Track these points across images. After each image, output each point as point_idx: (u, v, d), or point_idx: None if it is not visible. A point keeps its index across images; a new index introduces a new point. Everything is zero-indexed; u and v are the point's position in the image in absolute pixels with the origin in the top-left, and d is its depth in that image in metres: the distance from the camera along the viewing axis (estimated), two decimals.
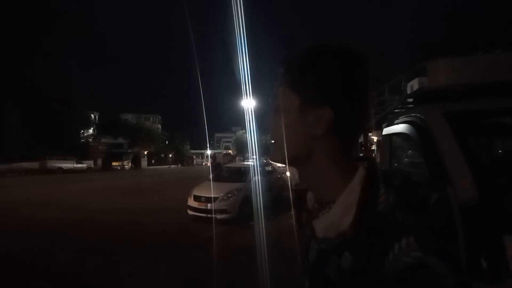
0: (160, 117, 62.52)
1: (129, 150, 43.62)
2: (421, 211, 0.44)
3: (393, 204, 0.44)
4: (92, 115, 43.15)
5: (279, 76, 0.57)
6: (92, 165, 32.82)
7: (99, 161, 36.21)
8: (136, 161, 40.00)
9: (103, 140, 42.15)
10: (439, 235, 0.42)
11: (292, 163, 0.55)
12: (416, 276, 0.36)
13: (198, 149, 65.40)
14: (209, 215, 6.51)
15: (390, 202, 0.44)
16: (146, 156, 45.57)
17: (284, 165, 0.56)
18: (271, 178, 9.04)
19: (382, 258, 0.39)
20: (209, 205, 6.62)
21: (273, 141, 0.57)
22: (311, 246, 0.56)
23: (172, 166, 47.87)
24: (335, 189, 0.50)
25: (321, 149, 0.51)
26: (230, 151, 62.36)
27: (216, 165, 10.06)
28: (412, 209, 0.43)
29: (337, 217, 0.47)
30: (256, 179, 7.75)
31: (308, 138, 0.51)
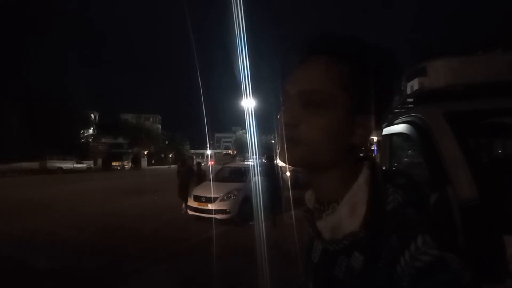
0: (160, 117, 62.52)
1: (129, 150, 43.61)
2: (429, 208, 0.43)
3: (403, 202, 0.42)
4: (92, 115, 43.14)
5: (319, 56, 0.46)
6: (92, 165, 32.81)
7: (99, 161, 36.19)
8: (136, 161, 39.96)
9: (103, 140, 42.16)
10: (444, 234, 0.42)
11: (309, 168, 0.50)
12: (436, 274, 0.36)
13: (198, 149, 65.41)
14: (209, 215, 6.52)
15: (399, 201, 0.43)
16: (146, 156, 45.57)
17: (292, 167, 0.50)
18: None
19: (397, 257, 0.38)
20: (209, 205, 6.62)
21: (286, 139, 0.47)
22: (315, 247, 0.54)
23: (172, 166, 47.87)
24: (338, 189, 0.48)
25: (344, 157, 0.48)
26: (230, 151, 62.42)
27: (187, 170, 8.26)
28: (421, 206, 0.42)
29: (343, 217, 0.46)
30: (256, 179, 7.75)
31: (344, 147, 0.47)
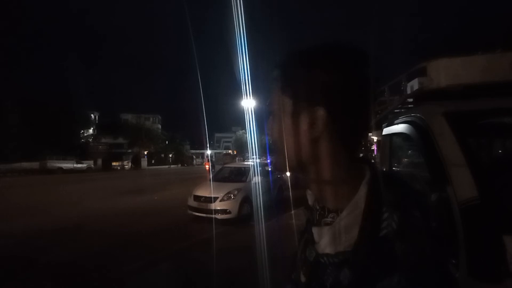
0: (160, 117, 62.51)
1: (129, 150, 43.60)
2: (423, 239, 0.43)
3: (396, 231, 0.42)
4: (92, 115, 43.13)
5: (272, 79, 0.55)
6: (92, 165, 32.77)
7: (99, 161, 36.18)
8: (136, 161, 39.97)
9: (103, 140, 42.11)
10: (439, 240, 0.44)
11: (295, 170, 0.53)
12: None
13: (198, 149, 65.41)
14: (209, 215, 6.52)
15: (393, 229, 0.43)
16: (146, 156, 45.56)
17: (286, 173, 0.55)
18: (271, 178, 9.04)
19: (374, 284, 0.41)
20: (209, 205, 6.62)
21: (273, 148, 0.55)
22: (310, 248, 0.55)
23: (172, 166, 47.88)
24: (338, 197, 0.50)
25: (324, 154, 0.49)
26: (230, 151, 62.41)
27: None
28: (413, 239, 0.42)
29: (337, 234, 0.48)
30: (256, 179, 7.75)
31: (307, 142, 0.50)
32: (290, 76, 0.51)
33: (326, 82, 0.48)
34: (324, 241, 0.50)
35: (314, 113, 0.48)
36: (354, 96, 0.47)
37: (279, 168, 0.54)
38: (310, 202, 0.58)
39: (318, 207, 0.55)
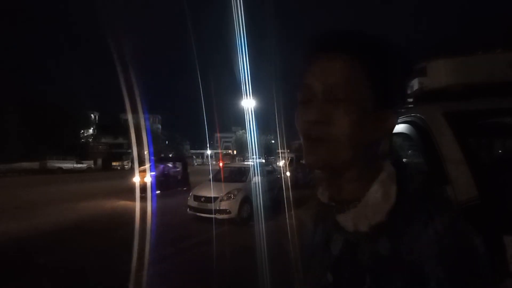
0: (160, 117, 62.53)
1: (129, 150, 43.56)
2: (449, 200, 0.46)
3: (424, 192, 0.45)
4: (92, 115, 43.11)
5: (344, 51, 0.45)
6: (92, 165, 32.79)
7: (99, 161, 36.18)
8: None
9: (103, 140, 42.10)
10: None
11: (338, 167, 0.47)
12: (462, 252, 0.38)
13: (198, 149, 65.42)
14: (209, 215, 6.52)
15: (423, 191, 0.45)
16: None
17: (318, 168, 0.48)
18: (271, 178, 9.04)
19: (425, 230, 0.40)
20: (209, 205, 6.63)
21: (314, 138, 0.46)
22: (334, 240, 0.52)
23: None
24: (358, 188, 0.48)
25: (366, 154, 0.48)
26: (230, 151, 62.42)
27: None
28: (442, 198, 0.46)
29: (367, 210, 0.46)
30: (256, 179, 7.75)
31: (369, 143, 0.47)
32: (384, 65, 0.45)
33: (406, 84, 0.49)
34: (354, 220, 0.47)
35: (391, 117, 0.47)
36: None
37: (317, 164, 0.47)
38: (324, 199, 0.56)
39: (333, 203, 0.52)
